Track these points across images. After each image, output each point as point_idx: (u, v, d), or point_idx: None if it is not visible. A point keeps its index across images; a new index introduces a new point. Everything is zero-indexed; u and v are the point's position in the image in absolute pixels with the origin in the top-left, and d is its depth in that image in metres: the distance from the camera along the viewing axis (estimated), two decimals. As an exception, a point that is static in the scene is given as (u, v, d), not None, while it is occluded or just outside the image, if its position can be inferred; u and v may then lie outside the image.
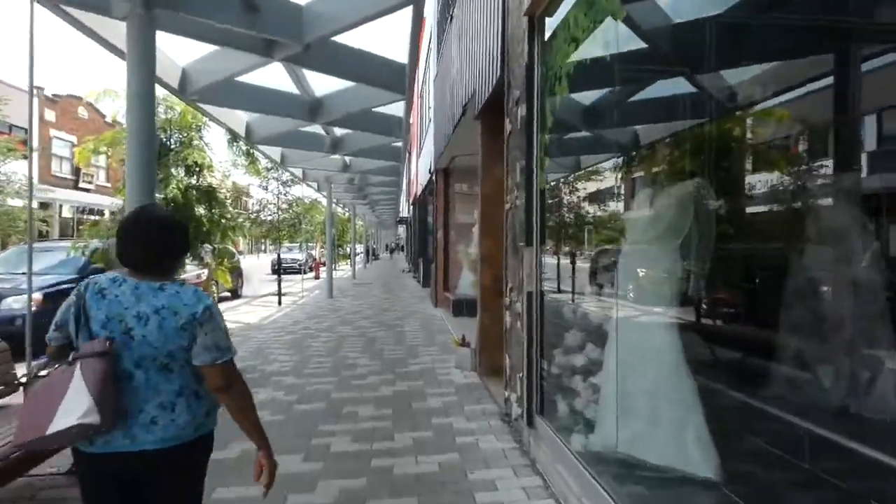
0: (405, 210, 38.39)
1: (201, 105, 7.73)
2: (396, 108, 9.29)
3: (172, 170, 8.76)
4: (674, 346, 2.98)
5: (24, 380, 2.06)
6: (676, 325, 3.02)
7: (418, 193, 20.47)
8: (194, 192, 9.24)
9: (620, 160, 3.94)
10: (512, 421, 4.67)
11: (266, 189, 17.57)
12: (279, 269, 15.34)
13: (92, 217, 27.20)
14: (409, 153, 28.59)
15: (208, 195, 9.40)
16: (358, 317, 11.41)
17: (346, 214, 30.89)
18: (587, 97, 3.97)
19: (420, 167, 19.12)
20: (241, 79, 6.93)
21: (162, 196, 8.44)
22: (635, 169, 3.79)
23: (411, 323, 10.40)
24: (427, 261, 18.30)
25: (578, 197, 4.65)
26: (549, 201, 4.43)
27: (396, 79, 6.97)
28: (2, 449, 2.83)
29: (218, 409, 1.90)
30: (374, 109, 8.67)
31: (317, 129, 10.54)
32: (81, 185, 29.31)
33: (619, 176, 3.88)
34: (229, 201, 9.83)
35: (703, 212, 2.72)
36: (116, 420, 1.69)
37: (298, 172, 15.31)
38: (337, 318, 11.31)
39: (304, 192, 20.61)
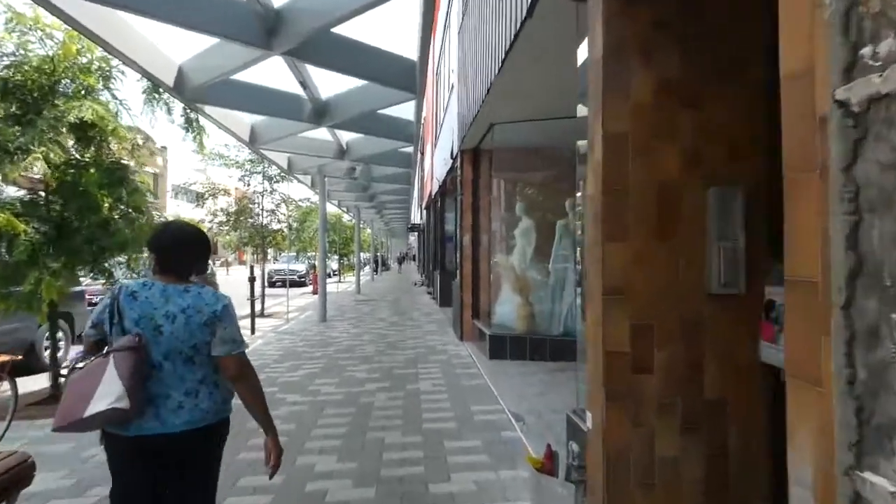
0: (417, 216, 35.12)
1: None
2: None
3: (46, 131, 5.42)
4: None
5: (65, 371, 2.17)
6: None
7: (433, 193, 17.07)
8: (91, 170, 5.90)
9: None
10: None
11: (248, 185, 14.11)
12: (251, 285, 11.88)
13: None
14: (422, 154, 25.40)
15: (114, 175, 6.04)
16: (353, 358, 7.96)
17: (352, 221, 27.61)
18: None
19: (436, 161, 15.77)
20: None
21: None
22: None
23: (430, 375, 6.92)
24: (445, 274, 14.85)
25: None
26: None
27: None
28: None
29: (232, 398, 2.14)
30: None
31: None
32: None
33: None
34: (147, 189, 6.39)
35: None
36: (143, 407, 1.93)
37: (283, 162, 12.02)
38: (321, 360, 7.87)
39: (296, 191, 17.23)
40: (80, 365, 2.03)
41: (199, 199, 14.66)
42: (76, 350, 1.85)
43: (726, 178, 2.60)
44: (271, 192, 14.31)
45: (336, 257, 31.47)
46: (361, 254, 38.92)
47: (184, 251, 2.16)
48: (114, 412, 1.84)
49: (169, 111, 6.51)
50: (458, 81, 8.93)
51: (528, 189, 8.67)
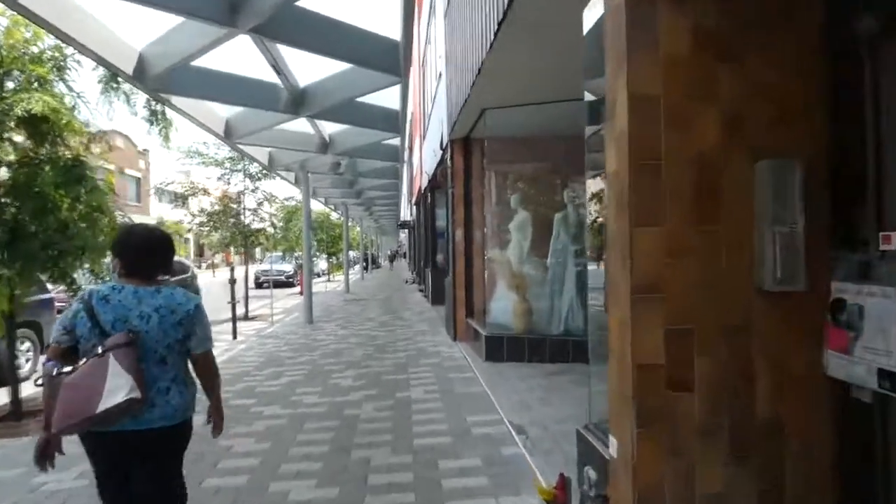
0: (407, 213, 34.56)
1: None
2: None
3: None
4: None
5: (40, 381, 2.02)
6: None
7: (423, 188, 16.55)
8: (46, 168, 5.35)
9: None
10: None
11: (228, 183, 13.50)
12: (231, 287, 11.36)
13: None
14: (410, 149, 24.83)
15: (71, 174, 5.49)
16: (339, 364, 7.45)
17: (340, 219, 27.01)
18: None
19: (425, 154, 15.24)
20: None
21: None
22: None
23: (421, 380, 6.43)
24: (437, 271, 14.35)
25: None
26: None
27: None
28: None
29: (195, 397, 2.26)
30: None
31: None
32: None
33: None
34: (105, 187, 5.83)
35: None
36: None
37: (263, 158, 11.46)
38: (305, 367, 7.35)
39: (281, 190, 16.60)
40: (66, 370, 2.00)
41: (177, 199, 14.01)
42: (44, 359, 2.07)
43: (777, 148, 2.12)
44: (253, 191, 13.69)
45: (324, 256, 30.86)
46: (351, 252, 38.41)
47: (149, 254, 2.21)
48: (129, 403, 1.92)
49: (129, 101, 5.93)
50: (447, 65, 8.41)
51: (523, 180, 8.17)
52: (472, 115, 7.24)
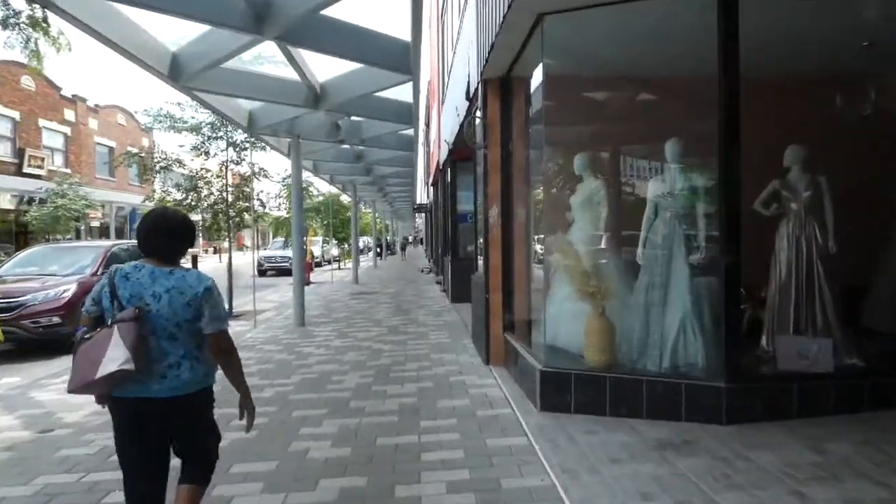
0: (423, 195, 32.02)
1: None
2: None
3: None
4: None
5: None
6: None
7: (441, 163, 14.02)
8: None
9: None
10: None
11: (206, 154, 11.10)
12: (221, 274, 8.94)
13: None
14: (427, 126, 22.24)
15: None
16: (319, 404, 5.05)
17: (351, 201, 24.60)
18: None
19: (444, 121, 12.71)
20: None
21: None
22: None
23: (443, 454, 3.97)
24: (458, 261, 11.87)
25: None
26: None
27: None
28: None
29: (215, 372, 2.42)
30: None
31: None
32: (27, 169, 23.49)
33: None
34: None
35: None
36: (144, 369, 2.17)
37: (240, 119, 9.03)
38: (270, 408, 4.89)
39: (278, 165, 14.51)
40: (87, 336, 2.21)
41: (146, 172, 11.65)
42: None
43: None
44: (238, 163, 11.29)
45: (334, 242, 28.54)
46: (365, 238, 35.99)
47: (161, 235, 2.32)
48: (122, 373, 2.08)
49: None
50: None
51: (594, 135, 5.60)
52: (520, 30, 4.70)
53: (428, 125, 21.73)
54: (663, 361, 4.24)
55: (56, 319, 8.09)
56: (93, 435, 4.31)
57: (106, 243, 10.63)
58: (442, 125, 13.35)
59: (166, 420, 2.28)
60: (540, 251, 5.38)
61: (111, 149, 28.72)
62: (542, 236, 5.46)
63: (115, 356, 2.07)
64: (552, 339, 4.84)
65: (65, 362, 6.47)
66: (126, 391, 2.20)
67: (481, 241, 6.55)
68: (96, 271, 9.10)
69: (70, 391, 2.18)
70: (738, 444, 3.61)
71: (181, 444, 2.40)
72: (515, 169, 5.95)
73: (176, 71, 6.30)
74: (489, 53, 5.30)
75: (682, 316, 4.17)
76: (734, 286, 3.87)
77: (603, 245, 4.95)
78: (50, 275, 8.88)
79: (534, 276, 5.77)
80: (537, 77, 5.59)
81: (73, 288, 8.45)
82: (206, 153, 11.18)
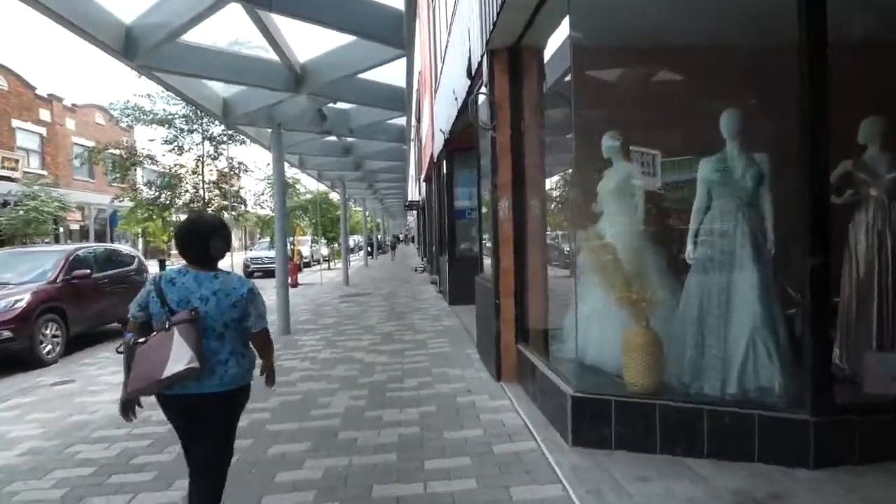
0: (415, 192, 31.14)
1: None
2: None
3: None
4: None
5: (121, 349, 2.45)
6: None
7: (436, 155, 13.17)
8: None
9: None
10: None
11: (180, 149, 10.15)
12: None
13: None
14: (419, 121, 21.34)
15: None
16: (295, 441, 4.19)
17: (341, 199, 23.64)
18: None
19: (438, 110, 11.86)
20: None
21: None
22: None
23: None
24: (455, 261, 11.03)
25: None
26: None
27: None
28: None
29: (254, 369, 2.57)
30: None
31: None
32: (0, 172, 22.31)
33: None
34: None
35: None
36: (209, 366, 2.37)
37: (212, 106, 8.12)
38: (237, 445, 4.03)
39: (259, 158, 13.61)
40: (141, 340, 2.34)
41: (115, 168, 10.69)
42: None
43: None
44: (214, 158, 10.37)
45: (324, 241, 27.58)
46: (355, 237, 35.02)
47: (194, 241, 2.45)
48: (189, 371, 2.23)
49: None
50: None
51: (627, 110, 4.74)
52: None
53: (419, 120, 20.85)
54: (727, 386, 3.41)
55: (7, 334, 7.17)
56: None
57: (68, 247, 9.66)
58: (436, 114, 12.49)
59: (210, 413, 2.42)
60: (564, 248, 4.54)
61: (89, 149, 27.62)
62: (562, 232, 4.62)
63: (180, 356, 2.23)
64: (582, 354, 3.99)
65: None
66: (183, 388, 2.33)
67: (488, 237, 5.70)
68: (56, 278, 8.19)
69: (131, 392, 2.36)
70: (841, 499, 2.79)
71: (204, 447, 2.46)
72: (529, 153, 5.10)
73: (131, 47, 5.53)
74: (498, 14, 4.45)
75: (750, 330, 3.35)
76: (822, 293, 3.06)
77: (641, 241, 4.11)
78: (3, 283, 7.94)
79: (551, 278, 4.93)
80: (554, 43, 4.77)
81: (26, 297, 7.53)
82: (180, 148, 10.23)
